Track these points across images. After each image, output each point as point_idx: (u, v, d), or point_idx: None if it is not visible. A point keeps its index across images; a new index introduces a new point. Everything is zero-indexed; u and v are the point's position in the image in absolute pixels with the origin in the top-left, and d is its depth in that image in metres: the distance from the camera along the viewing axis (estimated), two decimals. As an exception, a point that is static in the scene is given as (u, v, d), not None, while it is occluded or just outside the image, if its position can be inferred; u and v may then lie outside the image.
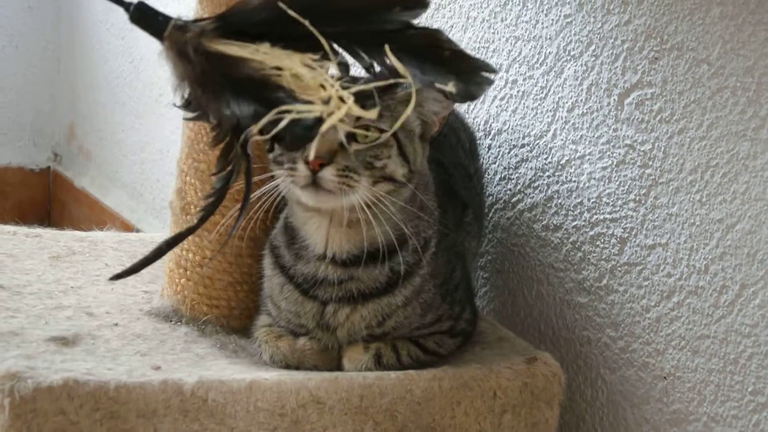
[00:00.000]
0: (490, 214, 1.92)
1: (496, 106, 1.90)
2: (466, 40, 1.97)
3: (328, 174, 1.40)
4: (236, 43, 1.22)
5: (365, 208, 1.43)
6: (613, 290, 1.68)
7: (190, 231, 1.34)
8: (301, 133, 1.20)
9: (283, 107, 1.17)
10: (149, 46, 3.21)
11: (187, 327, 1.65)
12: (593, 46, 1.70)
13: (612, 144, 1.67)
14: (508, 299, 1.89)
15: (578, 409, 1.75)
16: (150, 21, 1.24)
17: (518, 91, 1.85)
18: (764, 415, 1.45)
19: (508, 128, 1.88)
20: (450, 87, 1.21)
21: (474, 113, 1.96)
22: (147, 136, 3.25)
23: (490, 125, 1.92)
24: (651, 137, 1.60)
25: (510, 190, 1.88)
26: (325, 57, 1.20)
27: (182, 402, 1.36)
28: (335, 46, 1.21)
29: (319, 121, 1.18)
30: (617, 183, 1.67)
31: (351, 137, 1.43)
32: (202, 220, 1.33)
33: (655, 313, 1.61)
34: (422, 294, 1.56)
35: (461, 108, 1.97)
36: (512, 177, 1.87)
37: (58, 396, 1.30)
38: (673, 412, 1.58)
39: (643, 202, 1.62)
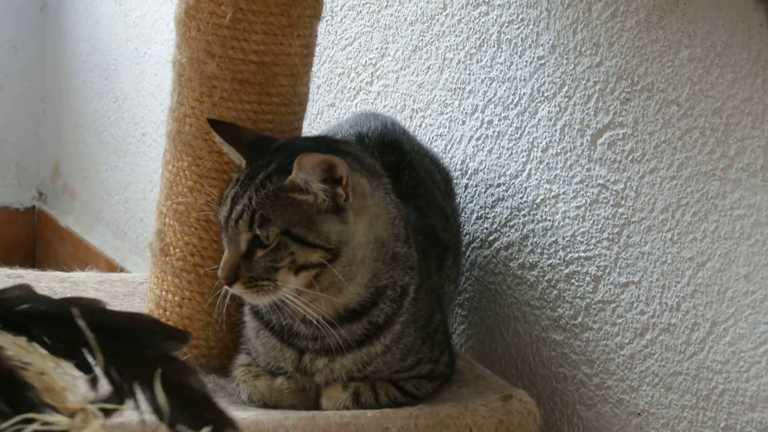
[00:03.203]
0: (468, 253, 1.93)
1: (473, 146, 1.93)
2: (443, 81, 2.00)
3: (237, 290, 1.46)
4: None
5: (303, 293, 1.45)
6: (588, 328, 1.70)
7: None
8: None
9: (29, 415, 1.08)
10: (133, 86, 3.24)
11: (166, 367, 1.65)
12: (566, 88, 1.72)
13: (585, 183, 1.69)
14: (486, 337, 1.91)
15: (555, 446, 1.76)
16: None
17: (494, 132, 1.88)
18: (736, 451, 1.47)
19: (484, 168, 1.90)
20: None
21: (451, 153, 1.98)
22: (131, 175, 3.26)
23: (467, 165, 1.94)
24: (623, 177, 1.63)
25: (486, 228, 1.90)
26: (79, 367, 1.15)
27: (160, 442, 1.37)
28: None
29: None
30: (591, 222, 1.69)
31: (256, 244, 1.45)
32: None
33: (629, 350, 1.63)
34: (403, 339, 1.56)
35: (437, 149, 1.99)
36: (488, 216, 1.89)
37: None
38: (648, 449, 1.60)
39: (616, 240, 1.64)
